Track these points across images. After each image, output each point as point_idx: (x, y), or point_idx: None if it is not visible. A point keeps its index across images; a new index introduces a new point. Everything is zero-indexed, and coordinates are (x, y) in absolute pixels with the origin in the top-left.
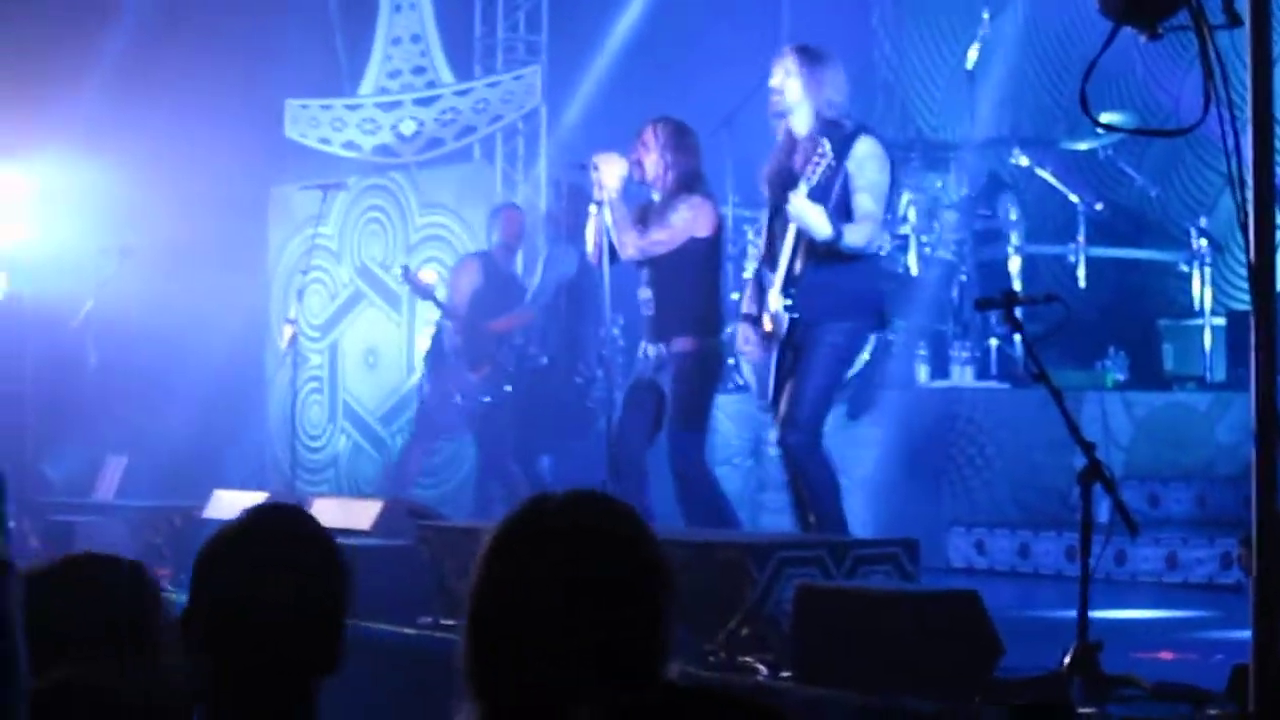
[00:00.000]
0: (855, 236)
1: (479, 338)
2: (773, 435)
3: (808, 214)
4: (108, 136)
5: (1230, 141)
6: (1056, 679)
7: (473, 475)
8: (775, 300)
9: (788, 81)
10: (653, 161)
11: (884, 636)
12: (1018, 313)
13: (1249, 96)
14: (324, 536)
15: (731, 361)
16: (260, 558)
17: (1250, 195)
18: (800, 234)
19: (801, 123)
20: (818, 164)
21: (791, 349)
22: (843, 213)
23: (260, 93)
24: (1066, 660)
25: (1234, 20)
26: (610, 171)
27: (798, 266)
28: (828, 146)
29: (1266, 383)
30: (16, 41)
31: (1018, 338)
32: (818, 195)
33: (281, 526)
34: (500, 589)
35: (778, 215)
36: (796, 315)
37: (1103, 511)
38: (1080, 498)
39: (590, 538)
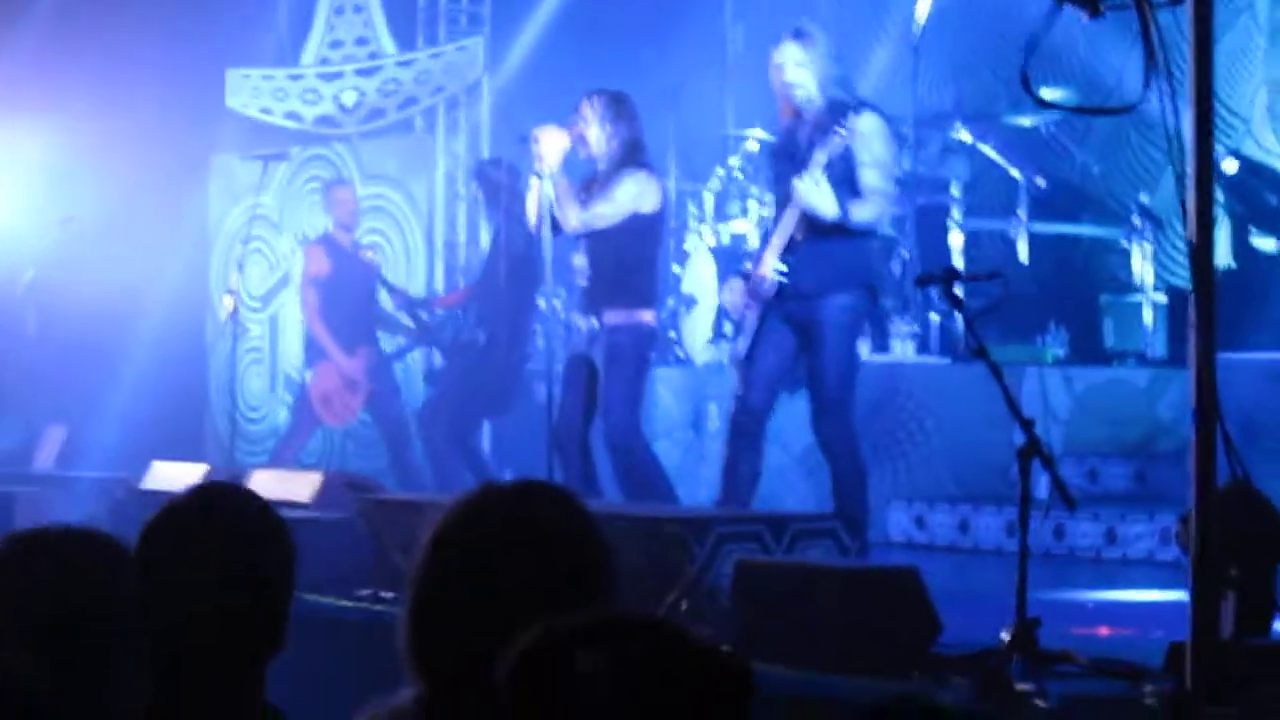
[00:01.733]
0: (864, 213)
1: (348, 323)
2: (710, 411)
3: (816, 197)
4: (48, 105)
5: (1171, 122)
6: (994, 655)
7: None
8: (770, 262)
9: (790, 62)
10: (594, 134)
11: (822, 612)
12: (958, 289)
13: (1190, 76)
14: (269, 514)
15: (672, 335)
16: (204, 537)
17: (1190, 173)
18: (806, 214)
19: (807, 98)
20: (835, 139)
21: (786, 322)
22: (847, 187)
23: (202, 61)
24: (1005, 637)
25: None
26: (550, 144)
27: (798, 236)
28: (852, 119)
29: (1205, 363)
30: None
31: (958, 314)
32: (829, 169)
33: (225, 505)
34: (444, 578)
35: (780, 187)
36: (786, 281)
37: (1042, 487)
38: (1019, 474)
39: (535, 531)
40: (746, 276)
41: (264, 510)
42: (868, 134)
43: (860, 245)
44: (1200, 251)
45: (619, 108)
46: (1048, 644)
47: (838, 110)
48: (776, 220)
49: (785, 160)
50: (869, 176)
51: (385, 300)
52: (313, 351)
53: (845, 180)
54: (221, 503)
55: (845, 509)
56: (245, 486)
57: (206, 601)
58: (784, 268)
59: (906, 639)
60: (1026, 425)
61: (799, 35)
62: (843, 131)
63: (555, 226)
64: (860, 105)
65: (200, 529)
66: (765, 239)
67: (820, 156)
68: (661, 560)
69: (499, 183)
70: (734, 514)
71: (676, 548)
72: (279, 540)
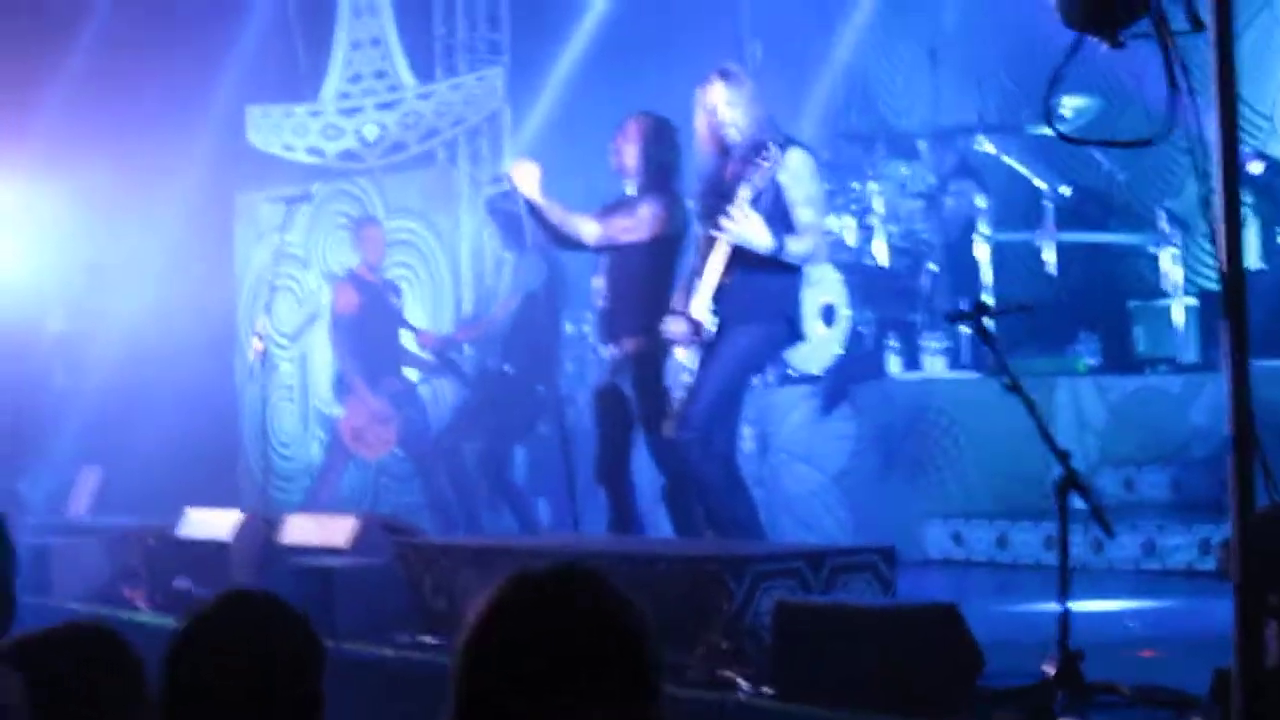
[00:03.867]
0: (799, 247)
1: (375, 356)
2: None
3: (748, 231)
4: (68, 153)
5: (1194, 128)
6: (1039, 691)
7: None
8: (701, 309)
9: (721, 102)
10: (630, 152)
11: (864, 652)
12: (988, 323)
13: (1214, 100)
14: (296, 625)
15: None
16: (231, 649)
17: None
18: (735, 248)
19: (737, 135)
20: (762, 168)
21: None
22: (779, 224)
23: (221, 100)
24: (1048, 670)
25: (1197, 25)
26: (522, 177)
27: (727, 279)
28: (774, 150)
29: (1240, 387)
30: None
31: (990, 350)
32: (757, 200)
33: (251, 616)
34: (487, 665)
35: (709, 223)
36: (719, 321)
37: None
38: (1056, 508)
39: (575, 615)
40: (683, 314)
41: (286, 618)
42: (796, 170)
43: (782, 279)
44: (1232, 283)
45: (660, 132)
46: (1091, 668)
47: (763, 146)
48: (703, 260)
49: (713, 197)
50: (803, 214)
51: (409, 340)
52: (341, 387)
53: (779, 218)
54: (243, 612)
55: (713, 511)
56: (269, 593)
57: (228, 713)
58: (714, 319)
59: (949, 677)
60: (1063, 458)
61: (727, 76)
62: (766, 162)
63: (568, 244)
64: (787, 141)
65: (221, 638)
66: (691, 280)
67: (745, 191)
68: (700, 599)
69: (511, 213)
70: (772, 550)
71: (715, 586)
72: (303, 650)
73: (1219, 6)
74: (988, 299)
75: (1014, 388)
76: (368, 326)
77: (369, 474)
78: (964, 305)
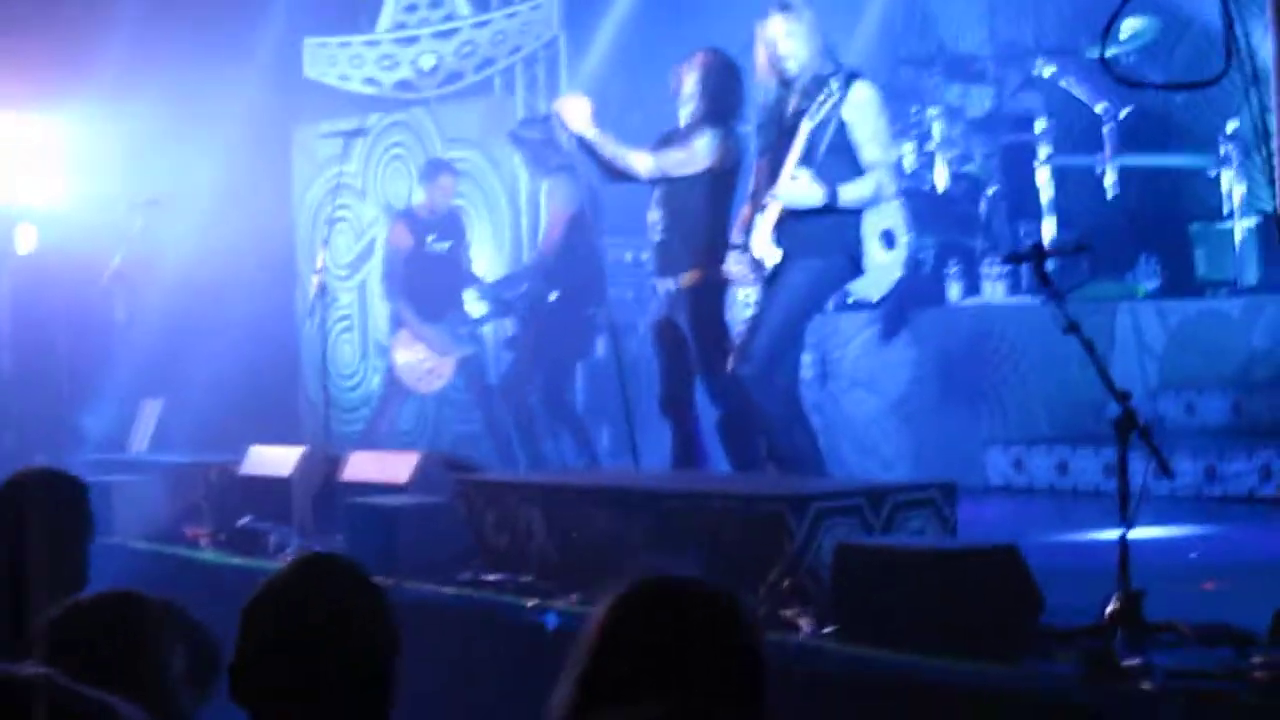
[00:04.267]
0: (858, 191)
1: (431, 292)
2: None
3: (797, 194)
4: (129, 87)
5: (1255, 105)
6: (1099, 631)
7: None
8: (763, 242)
9: (780, 34)
10: (691, 80)
11: (925, 594)
12: (1048, 266)
13: (1271, 28)
14: (370, 589)
15: None
16: (308, 612)
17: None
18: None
19: (798, 69)
20: (824, 102)
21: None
22: (843, 156)
23: (278, 33)
24: (1109, 611)
25: None
26: (574, 111)
27: (786, 216)
28: (835, 85)
29: None
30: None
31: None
32: (819, 132)
33: (329, 579)
34: (612, 662)
35: (769, 156)
36: (780, 255)
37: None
38: (1116, 446)
39: (690, 623)
40: (743, 249)
41: (361, 582)
42: (862, 105)
43: (843, 219)
44: None
45: (726, 69)
46: (1152, 606)
47: (825, 80)
48: (761, 196)
49: (773, 130)
50: (868, 151)
51: (470, 297)
52: (395, 321)
53: (844, 152)
54: (320, 575)
55: (777, 448)
56: (344, 557)
57: (304, 675)
58: (778, 252)
59: (1009, 618)
60: (1122, 399)
61: (785, 8)
62: (826, 95)
63: (622, 176)
64: (851, 76)
65: (298, 600)
66: (751, 214)
67: (794, 152)
68: (760, 538)
69: (539, 140)
70: (832, 488)
71: (776, 525)
72: (377, 613)
73: None
74: (1048, 232)
75: (1072, 329)
76: (422, 264)
77: (430, 404)
78: (1024, 236)
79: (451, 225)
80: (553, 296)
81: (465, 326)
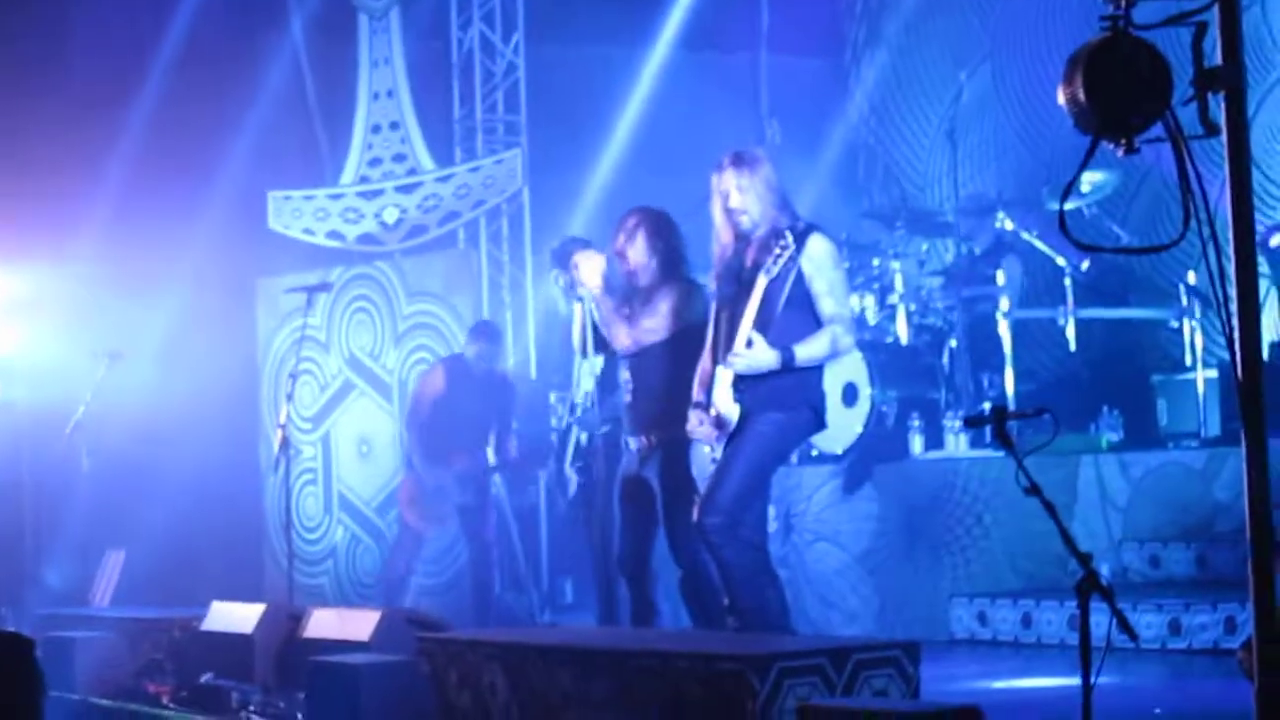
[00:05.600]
0: (814, 349)
1: (447, 435)
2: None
3: (752, 359)
4: (93, 236)
5: (1213, 263)
6: None
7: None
8: (724, 399)
9: (732, 188)
10: (634, 251)
11: None
12: (1008, 427)
13: (1227, 201)
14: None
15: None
16: None
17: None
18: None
19: (752, 223)
20: (779, 255)
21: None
22: (801, 310)
23: (242, 185)
24: None
25: (1210, 130)
26: (590, 268)
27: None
28: (790, 238)
29: (1259, 491)
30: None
31: (1009, 453)
32: (776, 286)
33: None
34: None
35: (726, 311)
36: (741, 409)
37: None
38: (1078, 608)
39: None
40: (704, 408)
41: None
42: (819, 259)
43: (804, 374)
44: (1248, 391)
45: (658, 223)
46: None
47: (781, 233)
48: (720, 350)
49: (732, 282)
50: (825, 304)
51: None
52: (406, 460)
53: (803, 306)
54: None
55: (738, 601)
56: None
57: None
58: (737, 409)
59: None
60: (1084, 560)
61: (738, 161)
62: (782, 250)
63: (600, 346)
64: (809, 229)
65: None
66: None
67: (747, 319)
68: (723, 698)
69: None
70: (795, 647)
71: (738, 684)
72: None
73: (1231, 111)
74: (1009, 386)
75: (1033, 490)
76: (447, 407)
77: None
78: (987, 388)
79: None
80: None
81: (475, 472)
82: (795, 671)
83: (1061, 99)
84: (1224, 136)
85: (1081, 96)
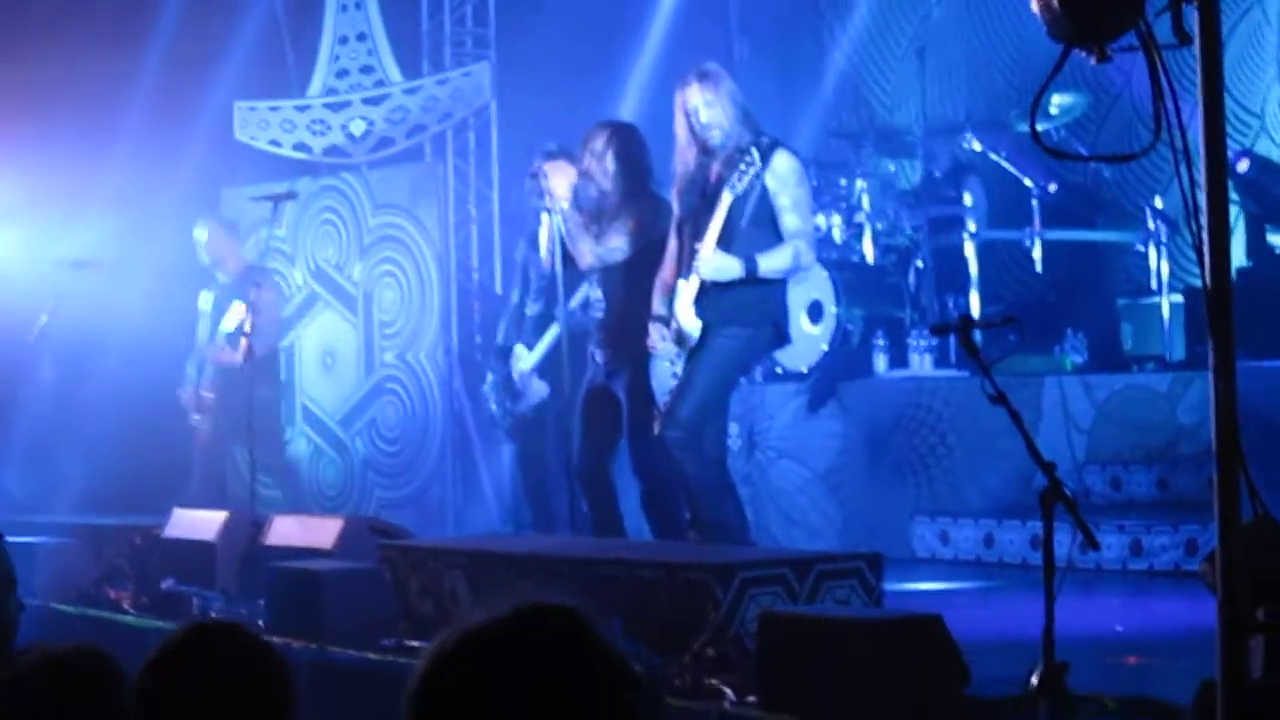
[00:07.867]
0: (777, 261)
1: None
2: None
3: (715, 266)
4: (60, 148)
5: (1184, 176)
6: (1023, 701)
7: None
8: (686, 313)
9: (700, 103)
10: (600, 167)
11: (849, 664)
12: (975, 336)
13: (1199, 118)
14: (262, 655)
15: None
16: (201, 681)
17: (1202, 183)
18: (717, 244)
19: (722, 137)
20: (744, 172)
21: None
22: (765, 226)
23: (209, 95)
24: (1033, 681)
25: (1184, 39)
26: (559, 180)
27: (707, 285)
28: (755, 154)
29: (1226, 408)
30: None
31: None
32: (740, 202)
33: (221, 646)
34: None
35: (689, 225)
36: (703, 323)
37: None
38: (1041, 518)
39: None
40: (664, 321)
41: (255, 648)
42: (783, 174)
43: (767, 289)
44: (1218, 304)
45: (624, 138)
46: (1076, 678)
47: (747, 149)
48: (681, 263)
49: (695, 196)
50: (788, 219)
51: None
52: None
53: (767, 223)
54: (212, 642)
55: (700, 513)
56: (236, 624)
57: None
58: (698, 323)
59: (934, 689)
60: (1049, 470)
61: (704, 77)
62: (748, 166)
63: (568, 260)
64: (773, 144)
65: (191, 668)
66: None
67: (712, 228)
68: (686, 606)
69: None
70: (757, 557)
71: (700, 593)
72: (273, 680)
73: (1205, 22)
74: (974, 308)
75: (999, 399)
76: None
77: (356, 467)
78: (952, 309)
79: None
80: None
81: None
82: (758, 581)
83: (1035, 5)
84: (1196, 48)
85: (1055, 3)
